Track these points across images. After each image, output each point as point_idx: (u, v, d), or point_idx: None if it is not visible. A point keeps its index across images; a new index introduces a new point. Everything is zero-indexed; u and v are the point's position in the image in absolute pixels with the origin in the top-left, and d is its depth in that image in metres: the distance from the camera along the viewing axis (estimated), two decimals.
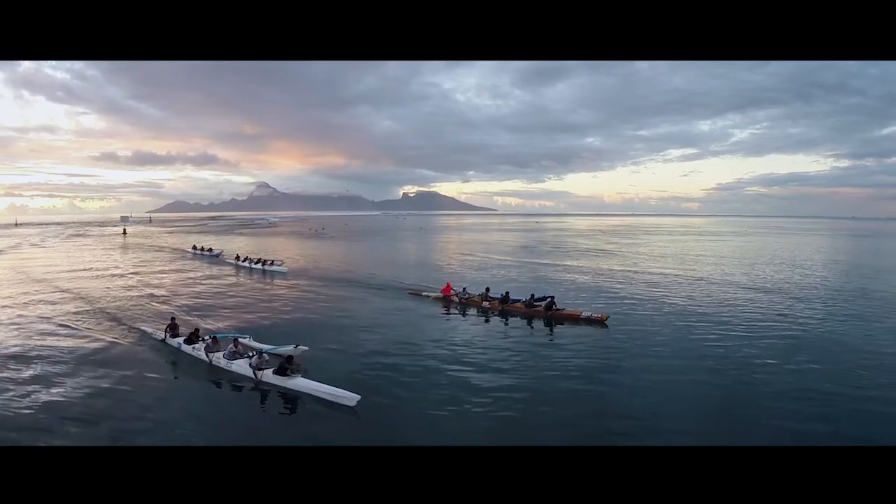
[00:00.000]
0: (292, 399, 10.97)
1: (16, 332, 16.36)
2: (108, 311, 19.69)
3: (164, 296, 23.31)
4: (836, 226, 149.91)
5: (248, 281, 29.39)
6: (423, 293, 23.35)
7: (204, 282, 28.47)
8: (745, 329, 16.78)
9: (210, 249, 44.95)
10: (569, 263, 37.75)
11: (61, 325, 17.27)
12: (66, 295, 23.18)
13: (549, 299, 19.15)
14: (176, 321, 15.53)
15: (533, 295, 19.86)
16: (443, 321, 18.83)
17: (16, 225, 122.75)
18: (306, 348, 13.33)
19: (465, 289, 22.16)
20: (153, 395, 11.20)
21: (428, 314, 19.85)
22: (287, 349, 12.96)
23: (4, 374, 12.26)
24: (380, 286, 25.97)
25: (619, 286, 26.16)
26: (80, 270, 32.61)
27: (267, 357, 12.36)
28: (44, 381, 11.82)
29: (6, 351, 14.23)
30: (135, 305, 20.92)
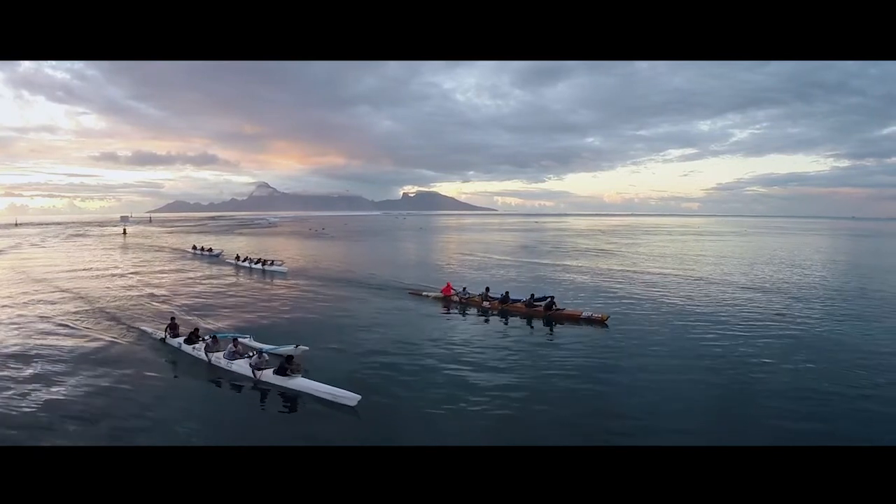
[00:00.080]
0: (293, 399, 10.97)
1: (16, 332, 16.36)
2: (107, 310, 19.69)
3: (163, 295, 23.31)
4: (836, 226, 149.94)
5: (248, 281, 29.39)
6: (423, 293, 23.35)
7: (204, 282, 28.47)
8: (745, 329, 16.78)
9: (210, 249, 44.94)
10: (568, 263, 37.76)
11: (61, 325, 17.27)
12: (65, 295, 23.18)
13: (548, 299, 19.16)
14: (176, 321, 15.53)
15: (533, 295, 19.87)
16: (443, 321, 18.83)
17: (16, 225, 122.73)
18: (307, 348, 13.33)
19: (465, 288, 22.16)
20: (153, 394, 11.20)
21: (428, 314, 19.85)
22: (287, 349, 12.96)
23: (4, 373, 12.26)
24: (380, 286, 25.97)
25: (619, 286, 26.16)
26: (79, 270, 32.60)
27: (267, 357, 12.35)
28: (44, 380, 11.82)
29: (6, 350, 14.23)
30: (134, 305, 20.92)
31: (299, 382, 11.31)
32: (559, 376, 12.29)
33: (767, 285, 26.47)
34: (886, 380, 12.05)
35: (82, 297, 22.40)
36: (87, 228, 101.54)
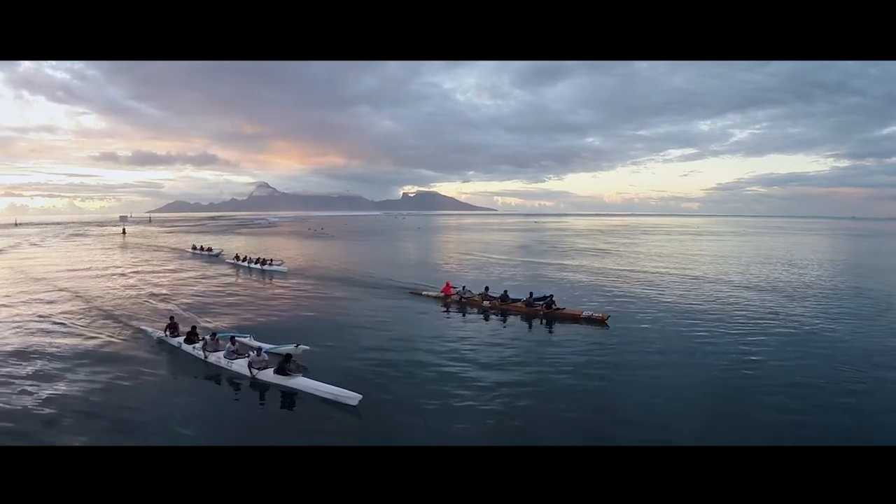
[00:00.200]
0: (293, 398, 10.95)
1: (15, 331, 16.33)
2: (106, 310, 19.67)
3: (163, 295, 23.29)
4: (836, 226, 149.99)
5: (248, 280, 29.37)
6: (423, 292, 23.35)
7: (203, 281, 28.45)
8: (744, 328, 16.79)
9: (210, 249, 44.93)
10: (567, 263, 37.77)
11: (60, 324, 17.25)
12: (64, 294, 23.16)
13: (547, 298, 19.17)
14: (175, 320, 15.52)
15: (532, 294, 19.88)
16: (443, 320, 18.83)
17: (16, 225, 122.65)
18: (307, 347, 13.30)
19: (464, 287, 22.17)
20: (152, 394, 11.19)
21: (428, 313, 19.86)
22: (288, 348, 12.93)
23: (4, 372, 12.25)
24: (379, 285, 25.97)
25: (619, 285, 26.17)
26: (79, 270, 32.58)
27: (267, 356, 12.34)
28: (43, 379, 11.81)
29: (5, 349, 14.21)
30: (134, 304, 20.90)
31: (300, 382, 11.30)
32: (560, 376, 12.29)
33: (767, 285, 26.48)
34: (887, 379, 12.06)
35: (81, 297, 22.38)
36: (86, 228, 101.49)
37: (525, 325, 17.94)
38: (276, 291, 25.14)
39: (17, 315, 18.79)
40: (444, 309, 20.61)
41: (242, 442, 8.93)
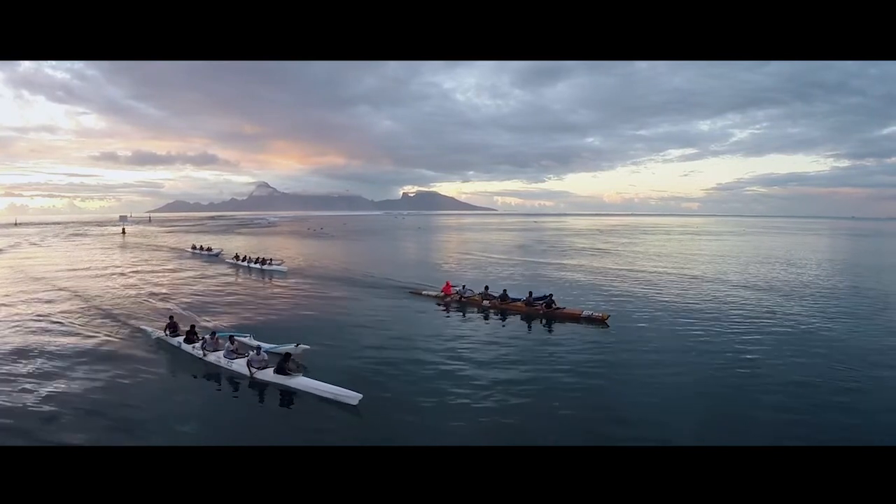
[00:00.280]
0: (293, 398, 10.95)
1: (15, 330, 16.32)
2: (106, 309, 19.66)
3: (162, 294, 23.28)
4: (836, 226, 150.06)
5: (248, 280, 29.37)
6: (423, 292, 23.35)
7: (203, 281, 28.44)
8: (744, 328, 16.80)
9: (209, 249, 44.94)
10: (567, 262, 37.77)
11: (59, 324, 17.24)
12: (64, 293, 23.16)
13: (547, 297, 19.17)
14: (174, 319, 15.52)
15: (531, 293, 19.88)
16: (443, 319, 18.83)
17: (15, 224, 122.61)
18: (308, 347, 13.29)
19: (464, 287, 22.17)
20: (152, 393, 11.19)
21: (428, 312, 19.86)
22: (288, 348, 12.93)
23: (3, 370, 12.25)
24: (379, 285, 25.97)
25: (619, 285, 26.17)
26: (78, 269, 32.57)
27: (266, 356, 12.33)
28: (42, 378, 11.80)
29: (5, 348, 14.21)
30: (133, 304, 20.90)
31: (300, 381, 11.30)
32: (560, 375, 12.29)
33: (767, 285, 26.49)
34: (886, 379, 12.07)
35: (81, 296, 22.38)
36: (86, 228, 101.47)
37: (525, 324, 17.94)
38: (276, 291, 25.14)
39: (17, 314, 18.78)
40: (444, 308, 20.60)
41: (242, 441, 8.92)
